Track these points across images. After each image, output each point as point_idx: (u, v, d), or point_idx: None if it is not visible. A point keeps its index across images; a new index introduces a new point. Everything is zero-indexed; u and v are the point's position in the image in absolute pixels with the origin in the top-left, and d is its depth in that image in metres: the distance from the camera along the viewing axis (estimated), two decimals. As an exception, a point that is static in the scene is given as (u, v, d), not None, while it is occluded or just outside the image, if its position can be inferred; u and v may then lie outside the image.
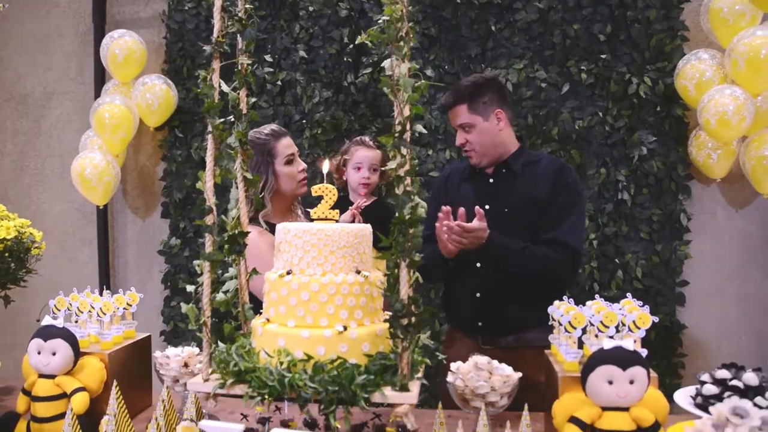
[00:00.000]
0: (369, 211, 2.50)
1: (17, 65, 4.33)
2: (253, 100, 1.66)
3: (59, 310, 1.79)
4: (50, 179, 4.31)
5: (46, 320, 1.67)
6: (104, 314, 1.77)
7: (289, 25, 3.81)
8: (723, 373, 1.61)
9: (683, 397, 1.67)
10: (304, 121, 3.77)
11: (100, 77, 4.12)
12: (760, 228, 3.57)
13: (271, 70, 3.76)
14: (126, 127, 3.80)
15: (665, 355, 3.52)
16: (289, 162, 2.36)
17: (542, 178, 2.36)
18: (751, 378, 1.56)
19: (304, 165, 2.42)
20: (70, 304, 1.80)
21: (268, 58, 3.74)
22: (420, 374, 1.45)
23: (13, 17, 4.25)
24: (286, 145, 2.37)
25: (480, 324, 2.34)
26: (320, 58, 3.76)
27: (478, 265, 2.33)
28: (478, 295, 2.34)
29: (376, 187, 2.70)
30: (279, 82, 3.79)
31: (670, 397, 1.61)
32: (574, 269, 2.40)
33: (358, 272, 1.44)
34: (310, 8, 3.75)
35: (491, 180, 2.42)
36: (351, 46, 3.70)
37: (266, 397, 1.33)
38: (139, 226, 4.20)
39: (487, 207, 2.29)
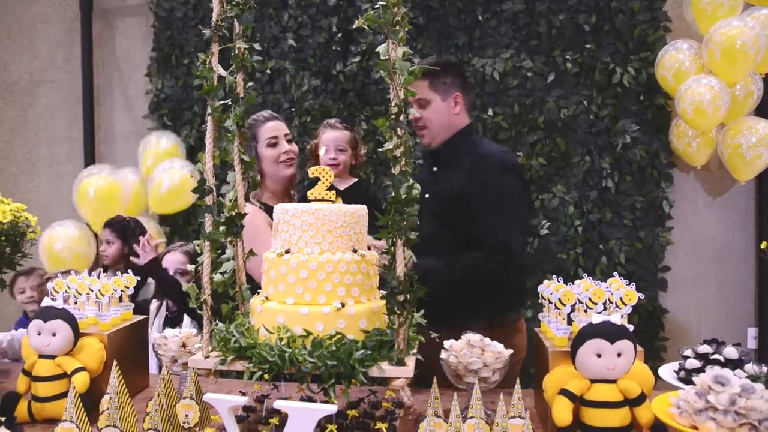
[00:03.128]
0: (348, 193, 2.53)
1: (2, 53, 4.30)
2: (250, 83, 1.69)
3: (58, 292, 1.81)
4: (38, 168, 4.29)
5: (46, 302, 1.69)
6: (103, 296, 1.79)
7: (278, 14, 3.82)
8: (705, 348, 1.68)
9: (667, 371, 1.74)
10: (293, 109, 3.79)
11: (88, 65, 4.10)
12: (738, 214, 3.67)
13: (260, 58, 3.78)
14: None
15: (648, 339, 3.60)
16: (272, 145, 2.40)
17: (464, 171, 2.23)
18: (731, 352, 1.63)
19: (288, 147, 2.44)
20: (68, 287, 1.82)
21: (256, 46, 3.73)
22: (414, 350, 1.50)
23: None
24: (269, 129, 2.42)
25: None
26: (309, 47, 3.78)
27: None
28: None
29: (353, 167, 2.70)
30: (268, 71, 3.81)
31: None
32: (502, 267, 2.17)
33: (355, 251, 1.48)
34: (299, -3, 3.77)
35: (435, 168, 2.36)
36: (340, 34, 3.72)
37: (267, 372, 1.37)
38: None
39: (426, 195, 2.10)
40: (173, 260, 2.93)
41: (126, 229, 3.37)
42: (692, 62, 3.28)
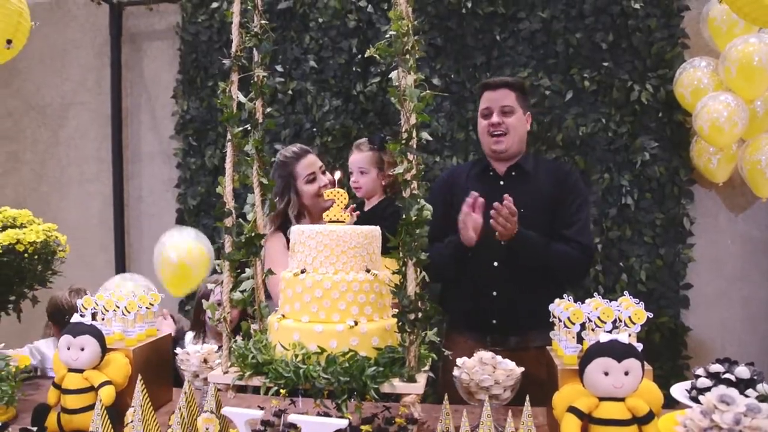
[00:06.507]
0: (368, 215, 2.58)
1: (36, 76, 4.47)
2: (269, 109, 1.76)
3: (86, 309, 1.89)
4: (68, 187, 4.44)
5: (75, 318, 1.77)
6: (128, 313, 1.87)
7: (300, 36, 3.92)
8: (716, 367, 1.69)
9: (679, 390, 1.75)
10: (314, 129, 3.87)
11: (117, 88, 4.25)
12: (762, 231, 3.63)
13: (282, 79, 3.88)
14: None
15: (670, 357, 3.58)
16: (310, 181, 2.55)
17: (552, 181, 2.46)
18: (743, 371, 1.64)
19: (326, 180, 2.57)
20: (96, 303, 1.90)
21: (279, 68, 3.87)
22: (426, 367, 1.54)
23: (32, 29, 4.39)
24: (306, 165, 2.57)
25: (494, 321, 2.42)
26: (330, 68, 3.87)
27: (496, 264, 2.41)
28: (494, 293, 2.42)
29: (388, 186, 2.71)
30: (290, 92, 3.90)
31: (672, 398, 1.69)
32: (588, 266, 2.59)
33: (368, 271, 1.53)
34: (320, 20, 3.86)
35: (502, 182, 2.51)
36: (360, 56, 3.80)
37: (282, 387, 1.42)
38: (154, 232, 4.30)
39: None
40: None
41: None
42: (710, 79, 3.28)
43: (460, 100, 3.74)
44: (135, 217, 4.36)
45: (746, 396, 1.39)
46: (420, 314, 1.42)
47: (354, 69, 3.83)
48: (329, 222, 1.60)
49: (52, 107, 4.46)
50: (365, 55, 1.57)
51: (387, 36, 1.47)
